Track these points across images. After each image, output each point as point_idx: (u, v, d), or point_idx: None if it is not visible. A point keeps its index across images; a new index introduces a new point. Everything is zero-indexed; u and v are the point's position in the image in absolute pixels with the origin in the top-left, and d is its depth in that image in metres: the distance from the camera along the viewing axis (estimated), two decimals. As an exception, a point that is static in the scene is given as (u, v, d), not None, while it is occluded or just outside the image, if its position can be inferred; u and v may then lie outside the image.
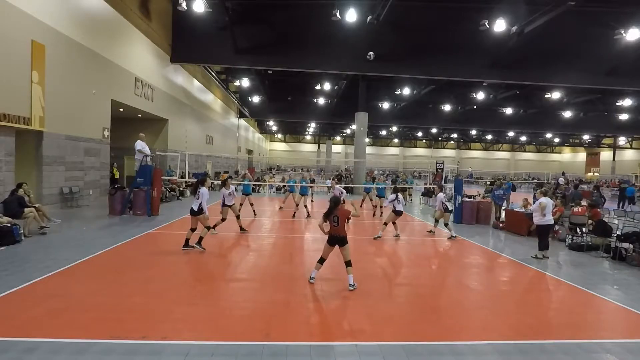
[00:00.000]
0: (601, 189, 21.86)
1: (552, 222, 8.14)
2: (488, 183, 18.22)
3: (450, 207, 10.12)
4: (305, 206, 13.01)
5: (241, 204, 12.55)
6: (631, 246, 7.83)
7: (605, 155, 51.97)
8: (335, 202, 5.59)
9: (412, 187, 20.76)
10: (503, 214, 12.44)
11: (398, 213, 9.53)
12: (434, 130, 50.50)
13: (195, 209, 7.30)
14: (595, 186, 17.68)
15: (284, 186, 22.53)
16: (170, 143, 19.43)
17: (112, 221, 10.27)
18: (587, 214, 9.68)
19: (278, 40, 18.10)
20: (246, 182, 13.77)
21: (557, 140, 53.29)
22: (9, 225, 7.30)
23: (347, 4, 15.57)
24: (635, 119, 33.06)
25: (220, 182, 10.73)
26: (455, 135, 56.43)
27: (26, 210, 8.07)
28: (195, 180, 10.83)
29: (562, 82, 20.60)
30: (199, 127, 25.09)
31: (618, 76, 19.23)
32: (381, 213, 13.39)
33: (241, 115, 37.62)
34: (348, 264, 5.53)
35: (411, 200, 19.81)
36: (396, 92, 27.82)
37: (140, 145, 11.75)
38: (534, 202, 9.69)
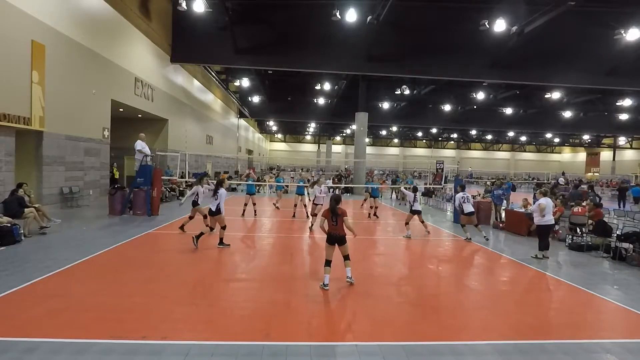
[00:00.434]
0: (596, 188, 21.85)
1: (553, 222, 8.14)
2: (488, 183, 18.21)
3: (469, 208, 9.62)
4: (305, 206, 13.00)
5: (245, 204, 12.65)
6: (631, 246, 7.83)
7: (605, 155, 51.97)
8: (336, 201, 5.60)
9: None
10: (503, 214, 12.44)
11: (415, 212, 9.90)
12: (434, 130, 50.49)
13: (214, 209, 7.49)
14: (590, 186, 17.74)
15: (285, 186, 22.60)
16: (170, 143, 19.43)
17: (112, 221, 10.27)
18: (588, 213, 9.67)
19: (278, 40, 18.11)
20: (250, 182, 13.82)
21: (557, 140, 53.28)
22: (9, 225, 7.30)
23: (347, 4, 15.57)
24: (635, 119, 33.07)
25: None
26: (455, 135, 56.42)
27: (26, 210, 8.07)
28: (195, 180, 10.86)
29: (562, 82, 20.60)
30: (199, 127, 25.09)
31: (618, 76, 19.23)
32: (375, 213, 13.35)
33: (241, 115, 37.62)
34: (346, 257, 5.63)
35: (411, 200, 19.79)
36: (396, 92, 27.81)
37: (140, 145, 11.75)
38: (534, 202, 9.70)
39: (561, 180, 27.09)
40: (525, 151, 63.14)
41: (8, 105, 9.12)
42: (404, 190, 11.71)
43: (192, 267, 6.34)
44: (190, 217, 9.15)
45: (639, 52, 17.62)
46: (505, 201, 13.82)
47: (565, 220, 10.09)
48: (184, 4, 15.31)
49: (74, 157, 12.03)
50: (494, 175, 39.86)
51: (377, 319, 4.53)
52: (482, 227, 10.01)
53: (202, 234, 7.71)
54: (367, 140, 31.54)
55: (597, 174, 50.96)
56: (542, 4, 14.29)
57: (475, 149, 62.58)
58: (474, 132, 51.50)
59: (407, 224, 10.06)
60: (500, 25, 15.24)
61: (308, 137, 61.69)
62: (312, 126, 50.69)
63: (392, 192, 21.65)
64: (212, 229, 7.95)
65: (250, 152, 45.29)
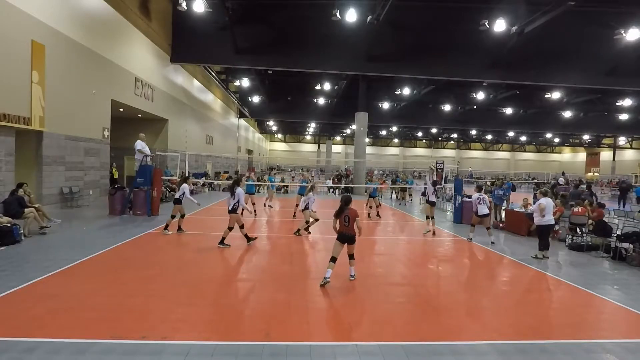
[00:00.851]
0: (595, 188, 21.89)
1: (553, 222, 8.14)
2: (488, 183, 18.22)
3: (484, 210, 9.31)
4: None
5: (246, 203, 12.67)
6: (631, 246, 7.83)
7: (605, 155, 51.99)
8: (346, 202, 5.80)
9: (412, 187, 20.76)
10: (503, 214, 12.44)
11: (432, 203, 10.47)
12: (434, 130, 50.52)
13: (230, 208, 7.73)
14: (588, 186, 17.87)
15: (285, 186, 22.62)
16: (170, 143, 19.44)
17: (112, 221, 10.27)
18: (587, 214, 9.67)
19: (278, 40, 18.12)
20: (250, 182, 13.83)
21: (557, 140, 53.29)
22: (9, 225, 7.30)
23: (347, 4, 15.57)
24: (635, 119, 33.09)
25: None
26: (455, 135, 56.43)
27: (26, 210, 8.07)
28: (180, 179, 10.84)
29: (562, 82, 20.62)
30: (199, 127, 25.10)
31: (618, 76, 19.25)
32: (377, 213, 13.36)
33: (241, 115, 37.63)
34: (351, 257, 5.83)
35: (411, 200, 19.82)
36: (396, 92, 27.84)
37: (140, 145, 11.75)
38: (534, 203, 9.70)
39: (561, 180, 27.09)
40: (525, 151, 63.15)
41: (8, 105, 9.12)
42: (427, 184, 11.60)
43: (192, 267, 6.33)
44: (173, 216, 9.20)
45: (639, 52, 17.63)
46: (505, 201, 13.81)
47: (565, 220, 10.09)
48: (184, 4, 15.31)
49: (74, 157, 12.03)
50: (493, 175, 39.86)
51: (377, 319, 4.53)
52: (481, 226, 9.88)
53: (246, 235, 7.96)
54: (367, 140, 31.56)
55: (597, 174, 50.97)
56: (542, 4, 14.29)
57: (475, 149, 62.59)
58: (474, 132, 51.50)
59: (429, 217, 10.30)
60: (500, 25, 15.25)
61: (308, 137, 61.70)
62: (312, 126, 50.70)
63: (392, 192, 21.65)
64: (242, 226, 8.00)
65: (250, 152, 45.31)
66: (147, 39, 16.30)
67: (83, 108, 12.34)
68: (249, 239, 8.04)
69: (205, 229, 9.85)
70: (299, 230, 9.61)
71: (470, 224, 9.73)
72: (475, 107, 31.00)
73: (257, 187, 20.16)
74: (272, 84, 29.81)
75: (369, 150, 47.78)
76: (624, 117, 32.38)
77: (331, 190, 23.40)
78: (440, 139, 59.59)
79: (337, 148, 60.24)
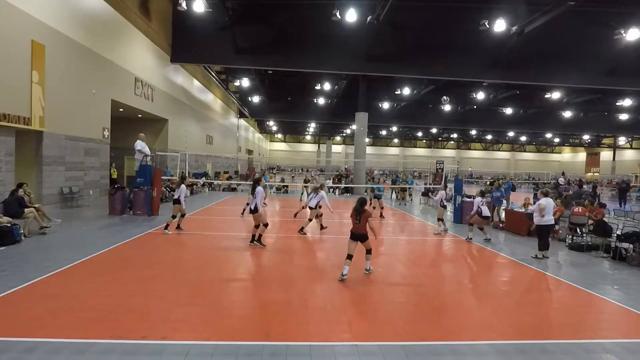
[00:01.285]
0: (598, 188, 21.98)
1: (552, 222, 8.14)
2: (488, 183, 18.22)
3: (487, 212, 9.61)
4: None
5: (247, 204, 12.68)
6: (631, 246, 7.83)
7: (605, 155, 51.99)
8: (361, 203, 6.15)
9: (412, 187, 20.77)
10: (503, 214, 12.44)
11: (444, 206, 10.66)
12: (434, 130, 50.52)
13: (253, 207, 7.76)
14: (593, 186, 18.02)
15: (285, 186, 22.62)
16: (170, 143, 19.43)
17: (112, 221, 10.27)
18: (587, 214, 9.67)
19: (278, 40, 18.11)
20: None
21: (557, 140, 53.30)
22: (9, 225, 7.30)
23: (347, 4, 15.57)
24: (635, 119, 33.08)
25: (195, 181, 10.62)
26: (455, 135, 56.43)
27: (26, 210, 8.06)
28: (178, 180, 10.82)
29: (562, 82, 20.61)
30: (199, 127, 25.10)
31: (618, 76, 19.24)
32: (381, 214, 13.36)
33: (241, 115, 37.63)
34: (368, 252, 6.19)
35: (411, 200, 19.82)
36: (396, 92, 27.83)
37: (140, 145, 11.75)
38: (535, 202, 9.69)
39: (561, 180, 27.11)
40: (525, 151, 63.17)
41: (8, 105, 9.12)
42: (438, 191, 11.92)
43: (192, 267, 6.34)
44: (174, 216, 9.30)
45: (639, 52, 17.62)
46: (505, 201, 13.82)
47: (565, 220, 10.09)
48: (184, 4, 15.30)
49: (74, 157, 12.03)
50: (493, 176, 39.87)
51: (377, 319, 4.53)
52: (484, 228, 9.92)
53: (260, 235, 7.93)
54: (367, 140, 31.56)
55: (597, 174, 50.97)
56: (542, 4, 14.29)
57: (475, 149, 62.61)
58: (474, 132, 51.50)
59: (440, 219, 10.60)
60: (500, 25, 15.24)
61: (308, 137, 61.72)
62: (312, 126, 50.70)
63: (392, 192, 21.65)
64: (257, 226, 8.01)
65: (250, 152, 45.31)
66: (147, 39, 16.30)
67: (83, 108, 12.34)
68: (259, 240, 7.95)
69: (205, 229, 9.85)
70: (302, 228, 9.78)
71: (469, 224, 9.74)
72: (475, 107, 30.99)
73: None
74: (272, 84, 29.81)
75: (369, 150, 47.79)
76: (624, 117, 32.37)
77: (331, 190, 23.40)
78: (440, 139, 59.60)
79: (337, 148, 60.26)
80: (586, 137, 48.35)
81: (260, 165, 41.87)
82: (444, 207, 10.81)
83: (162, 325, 4.07)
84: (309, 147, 62.43)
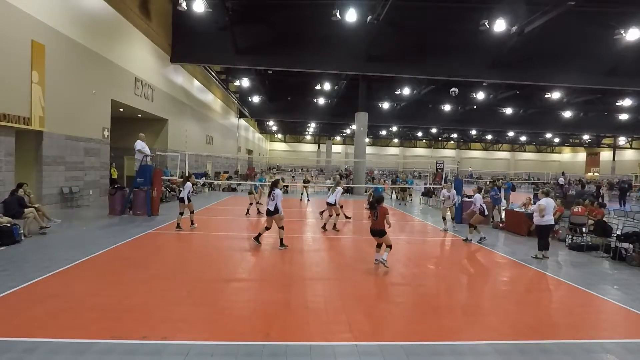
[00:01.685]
0: (601, 188, 22.03)
1: (552, 222, 8.13)
2: (487, 183, 18.23)
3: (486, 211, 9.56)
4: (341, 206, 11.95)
5: (250, 203, 12.91)
6: (631, 246, 7.83)
7: (605, 155, 52.01)
8: (378, 201, 6.57)
9: (412, 187, 20.77)
10: (503, 214, 12.44)
11: (483, 214, 9.75)
12: (434, 130, 50.51)
13: (272, 209, 7.70)
14: (597, 186, 18.13)
15: (285, 186, 22.60)
16: (170, 143, 19.43)
17: (112, 221, 10.27)
18: (587, 214, 9.68)
19: (278, 40, 18.11)
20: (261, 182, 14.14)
21: (557, 140, 53.30)
22: (9, 225, 7.30)
23: (347, 4, 15.57)
24: (635, 119, 33.08)
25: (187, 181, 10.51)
26: (455, 135, 56.43)
27: (26, 210, 8.07)
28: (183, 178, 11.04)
29: (562, 82, 20.62)
30: (199, 127, 25.09)
31: (618, 76, 19.24)
32: None
33: (241, 115, 37.63)
34: (388, 247, 6.54)
35: (411, 200, 19.81)
36: (396, 92, 27.83)
37: (140, 145, 11.75)
38: (535, 202, 9.69)
39: (561, 180, 27.12)
40: (525, 151, 63.18)
41: (8, 105, 9.12)
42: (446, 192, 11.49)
43: (192, 267, 6.33)
44: (181, 213, 9.63)
45: (639, 52, 17.62)
46: (505, 201, 13.83)
47: (565, 220, 10.09)
48: (184, 4, 15.30)
49: (74, 157, 12.03)
50: (492, 176, 39.88)
51: (377, 319, 4.53)
52: (480, 227, 9.89)
53: (282, 239, 7.85)
54: (367, 140, 31.55)
55: (597, 174, 50.97)
56: (542, 4, 14.29)
57: (475, 149, 62.60)
58: (474, 132, 51.51)
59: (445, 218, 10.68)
60: (500, 25, 15.24)
61: (308, 137, 61.72)
62: (312, 126, 50.69)
63: (392, 192, 21.65)
64: (268, 228, 8.04)
65: (250, 152, 45.30)
66: (147, 39, 16.30)
67: (83, 108, 12.34)
68: (282, 244, 7.85)
69: (205, 229, 9.85)
70: (325, 225, 10.32)
71: (472, 225, 9.31)
72: (475, 107, 30.99)
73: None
74: (272, 84, 29.81)
75: (369, 150, 47.80)
76: (624, 117, 32.38)
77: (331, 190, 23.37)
78: (440, 139, 59.59)
79: (337, 148, 60.25)
80: (586, 137, 48.35)
81: (260, 165, 41.89)
82: (483, 214, 9.65)
83: (162, 325, 4.07)
84: (309, 147, 62.43)
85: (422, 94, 26.40)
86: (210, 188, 21.85)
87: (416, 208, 17.27)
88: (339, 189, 10.62)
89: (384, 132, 54.25)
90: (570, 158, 60.82)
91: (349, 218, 11.64)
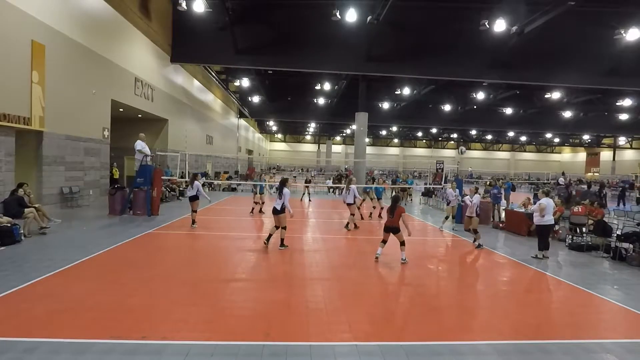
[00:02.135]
0: (606, 188, 22.07)
1: (552, 222, 8.13)
2: (487, 183, 18.23)
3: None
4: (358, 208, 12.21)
5: (256, 203, 13.23)
6: (631, 246, 7.84)
7: (605, 155, 52.00)
8: (396, 200, 7.19)
9: (411, 187, 20.76)
10: (503, 214, 12.44)
11: (478, 215, 9.14)
12: (434, 130, 50.52)
13: (279, 208, 7.78)
14: (602, 185, 18.18)
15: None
16: (170, 143, 19.43)
17: (112, 221, 10.27)
18: (587, 214, 9.67)
19: (278, 40, 18.11)
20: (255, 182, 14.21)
21: (557, 140, 53.31)
22: (9, 225, 7.29)
23: (347, 4, 15.57)
24: (635, 119, 33.08)
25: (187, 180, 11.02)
26: (455, 135, 56.43)
27: (26, 210, 8.06)
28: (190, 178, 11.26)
29: (562, 82, 20.62)
30: (199, 127, 25.09)
31: (618, 76, 19.24)
32: (380, 214, 13.34)
33: (241, 115, 37.63)
34: (402, 244, 7.06)
35: (411, 200, 19.81)
36: (396, 92, 27.83)
37: (140, 145, 11.74)
38: (535, 202, 9.69)
39: (561, 180, 27.13)
40: (525, 151, 63.18)
41: (8, 105, 9.11)
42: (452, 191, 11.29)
43: (192, 267, 6.34)
44: (195, 211, 10.04)
45: (639, 52, 17.62)
46: (505, 201, 13.84)
47: (565, 220, 10.09)
48: (184, 4, 15.31)
49: (74, 157, 12.02)
50: (493, 176, 39.90)
51: (377, 319, 4.53)
52: (482, 226, 9.81)
53: (282, 239, 7.91)
54: (367, 140, 31.55)
55: (597, 174, 50.98)
56: (542, 4, 14.29)
57: (475, 149, 62.58)
58: (474, 132, 51.50)
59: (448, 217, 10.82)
60: (500, 25, 15.24)
61: (308, 137, 61.72)
62: (312, 126, 50.71)
63: (392, 192, 21.63)
64: (277, 227, 8.05)
65: (250, 152, 45.30)
66: (147, 39, 16.29)
67: (83, 108, 12.33)
68: (282, 243, 7.88)
69: (205, 229, 9.84)
70: (348, 224, 10.53)
71: (475, 231, 8.79)
72: (475, 107, 30.99)
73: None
74: (272, 84, 29.80)
75: (369, 150, 47.79)
76: (624, 117, 32.38)
77: (331, 190, 23.39)
78: (440, 139, 59.59)
79: (337, 148, 60.24)
80: (586, 137, 48.36)
81: (260, 165, 41.88)
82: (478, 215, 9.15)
83: (162, 325, 4.07)
84: (309, 147, 62.41)
85: (422, 94, 26.40)
86: (210, 188, 21.84)
87: (416, 208, 17.27)
88: (353, 187, 10.77)
89: (384, 132, 54.25)
90: (570, 158, 60.81)
91: (362, 219, 11.63)
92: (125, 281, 5.46)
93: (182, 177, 15.38)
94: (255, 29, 18.01)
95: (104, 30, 13.22)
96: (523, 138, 53.62)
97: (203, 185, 20.24)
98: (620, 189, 21.93)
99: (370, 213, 13.38)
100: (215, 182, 22.66)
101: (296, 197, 19.06)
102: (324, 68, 19.71)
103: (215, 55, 18.61)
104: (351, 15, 15.69)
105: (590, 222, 9.39)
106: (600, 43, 17.64)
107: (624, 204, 19.51)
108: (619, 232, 8.56)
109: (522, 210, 10.83)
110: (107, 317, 4.19)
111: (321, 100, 31.00)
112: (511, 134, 49.32)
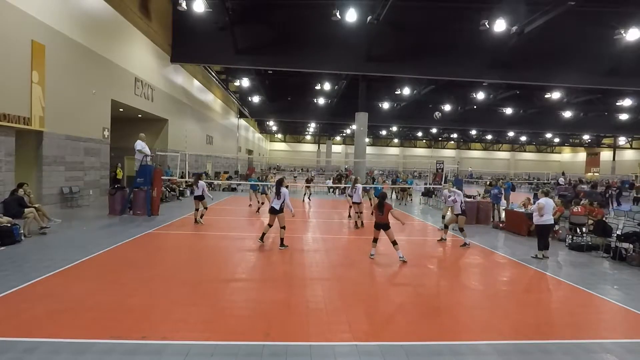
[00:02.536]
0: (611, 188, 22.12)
1: (552, 222, 8.13)
2: (487, 183, 18.24)
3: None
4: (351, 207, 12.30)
5: (262, 202, 13.33)
6: (631, 246, 7.83)
7: (605, 155, 51.99)
8: (383, 197, 7.27)
9: (411, 187, 20.75)
10: (503, 214, 12.44)
11: (464, 213, 9.03)
12: (434, 130, 50.52)
13: (277, 208, 7.86)
14: (607, 186, 18.20)
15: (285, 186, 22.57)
16: (170, 143, 19.43)
17: (112, 221, 10.27)
18: (586, 214, 9.67)
19: (278, 40, 18.12)
20: (252, 182, 14.19)
21: (557, 140, 53.32)
22: (9, 225, 7.29)
23: (347, 4, 15.57)
24: (635, 119, 33.09)
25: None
26: (455, 135, 56.43)
27: (26, 210, 8.06)
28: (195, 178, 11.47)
29: (562, 82, 20.63)
30: (199, 127, 25.09)
31: (618, 76, 19.25)
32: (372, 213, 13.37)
33: (241, 115, 37.63)
34: (394, 243, 7.16)
35: (411, 200, 19.80)
36: (396, 92, 27.85)
37: (140, 145, 11.74)
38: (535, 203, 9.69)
39: (561, 180, 27.13)
40: (525, 151, 63.19)
41: (8, 105, 9.12)
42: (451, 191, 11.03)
43: (192, 267, 6.34)
44: (197, 209, 10.50)
45: (639, 52, 17.62)
46: (504, 201, 13.84)
47: (565, 220, 10.08)
48: (184, 4, 15.31)
49: (74, 157, 12.03)
50: (492, 176, 39.90)
51: (377, 319, 4.53)
52: (481, 226, 9.90)
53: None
54: (367, 140, 31.56)
55: (597, 174, 50.98)
56: (542, 4, 14.30)
57: (475, 149, 62.60)
58: (474, 132, 51.50)
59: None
60: (500, 25, 15.25)
61: (308, 137, 61.72)
62: (312, 126, 50.70)
63: (392, 192, 21.63)
64: (271, 225, 8.16)
65: (250, 152, 45.30)
66: (147, 39, 16.30)
67: (83, 108, 12.34)
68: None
69: (205, 229, 9.84)
70: (357, 223, 10.86)
71: (461, 229, 8.92)
72: (475, 107, 30.99)
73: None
74: (272, 84, 29.81)
75: (369, 150, 47.79)
76: (624, 117, 32.39)
77: (331, 190, 23.39)
78: (440, 139, 59.60)
79: (337, 148, 60.24)
80: (586, 137, 48.36)
81: (260, 165, 41.88)
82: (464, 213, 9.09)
83: (162, 325, 4.07)
84: (309, 147, 62.42)
85: (422, 94, 26.40)
86: (210, 188, 21.82)
87: (416, 208, 17.26)
88: (359, 186, 11.07)
89: (384, 132, 54.26)
90: (570, 158, 60.82)
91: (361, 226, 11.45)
92: (125, 281, 5.46)
93: (182, 177, 15.39)
94: (255, 29, 18.02)
95: (104, 30, 13.22)
96: (523, 138, 53.63)
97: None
98: (617, 189, 21.94)
99: (372, 212, 13.37)
100: (215, 182, 22.65)
101: (296, 197, 19.07)
102: (324, 68, 19.71)
103: (215, 55, 18.62)
104: (351, 15, 15.69)
105: (590, 222, 9.39)
106: (600, 43, 17.64)
107: (619, 204, 19.50)
108: (619, 232, 8.56)
109: (522, 210, 10.83)
110: (107, 317, 4.19)
111: (321, 100, 31.01)
112: (511, 134, 49.33)
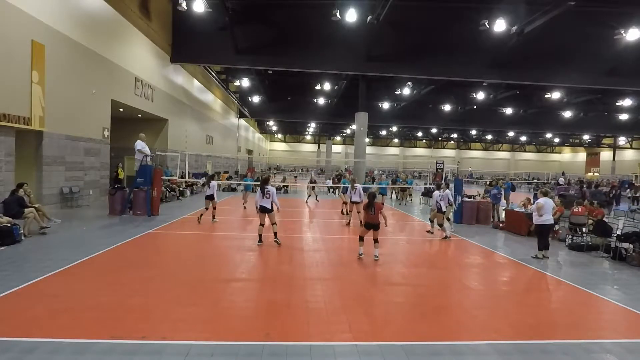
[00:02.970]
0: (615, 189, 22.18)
1: (551, 222, 8.13)
2: (487, 183, 18.25)
3: (445, 207, 9.75)
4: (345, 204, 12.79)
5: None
6: (631, 246, 7.83)
7: (605, 155, 52.01)
8: (373, 197, 7.19)
9: (412, 187, 20.76)
10: (503, 214, 12.44)
11: (441, 211, 9.69)
12: (434, 130, 50.54)
13: (268, 206, 8.07)
14: (612, 186, 18.21)
15: (285, 186, 22.60)
16: (170, 143, 19.43)
17: (112, 221, 10.27)
18: (586, 214, 9.68)
19: (278, 40, 18.12)
20: (249, 182, 14.16)
21: (557, 140, 53.32)
22: (9, 225, 7.29)
23: (347, 4, 15.57)
24: (635, 119, 33.11)
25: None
26: (455, 135, 56.44)
27: (26, 210, 8.06)
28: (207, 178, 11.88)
29: (562, 82, 20.62)
30: (199, 127, 25.10)
31: (618, 76, 19.24)
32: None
33: (241, 115, 37.64)
34: (376, 241, 7.19)
35: (411, 200, 19.81)
36: (396, 92, 27.85)
37: (140, 145, 11.75)
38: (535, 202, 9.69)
39: (561, 180, 27.15)
40: (525, 151, 63.21)
41: (8, 105, 9.11)
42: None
43: (192, 267, 6.34)
44: (207, 208, 10.91)
45: (639, 52, 17.62)
46: (504, 201, 13.84)
47: (565, 220, 10.09)
48: (184, 4, 15.30)
49: (74, 157, 12.02)
50: (492, 176, 39.91)
51: (377, 319, 4.53)
52: (481, 226, 9.95)
53: (275, 233, 8.18)
54: (367, 140, 31.56)
55: (597, 174, 50.99)
56: (542, 4, 14.29)
57: (475, 149, 62.60)
58: (474, 132, 51.52)
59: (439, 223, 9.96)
60: (500, 25, 15.24)
61: (308, 137, 61.75)
62: (312, 126, 50.70)
63: (392, 192, 21.64)
64: (263, 225, 8.32)
65: (250, 152, 45.31)
66: (147, 39, 16.29)
67: (83, 108, 12.33)
68: (276, 238, 8.17)
69: (205, 229, 9.85)
70: (349, 222, 11.03)
71: (439, 224, 9.70)
72: (475, 107, 31.00)
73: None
74: (272, 84, 29.81)
75: (369, 150, 47.82)
76: (624, 117, 32.40)
77: (331, 190, 23.39)
78: (440, 139, 59.61)
79: (337, 148, 60.26)
80: (586, 137, 48.37)
81: (260, 165, 41.89)
82: (442, 211, 9.70)
83: (162, 325, 4.07)
84: (309, 147, 62.43)
85: (422, 94, 26.40)
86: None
87: (416, 208, 17.26)
88: (358, 186, 11.24)
89: (384, 132, 54.27)
90: (570, 158, 60.83)
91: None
92: (125, 281, 5.46)
93: (182, 177, 15.39)
94: (255, 29, 18.02)
95: (104, 30, 13.22)
96: (523, 138, 53.64)
97: (203, 185, 20.36)
98: (618, 187, 21.98)
99: (359, 211, 13.41)
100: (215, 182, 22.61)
101: (297, 197, 19.07)
102: (324, 68, 19.71)
103: (215, 55, 18.62)
104: (351, 15, 15.69)
105: (590, 222, 9.39)
106: (600, 43, 17.63)
107: (618, 204, 19.50)
108: (619, 232, 8.56)
109: (522, 210, 10.83)
110: (107, 317, 4.19)
111: (321, 100, 31.01)
112: (511, 134, 49.34)
